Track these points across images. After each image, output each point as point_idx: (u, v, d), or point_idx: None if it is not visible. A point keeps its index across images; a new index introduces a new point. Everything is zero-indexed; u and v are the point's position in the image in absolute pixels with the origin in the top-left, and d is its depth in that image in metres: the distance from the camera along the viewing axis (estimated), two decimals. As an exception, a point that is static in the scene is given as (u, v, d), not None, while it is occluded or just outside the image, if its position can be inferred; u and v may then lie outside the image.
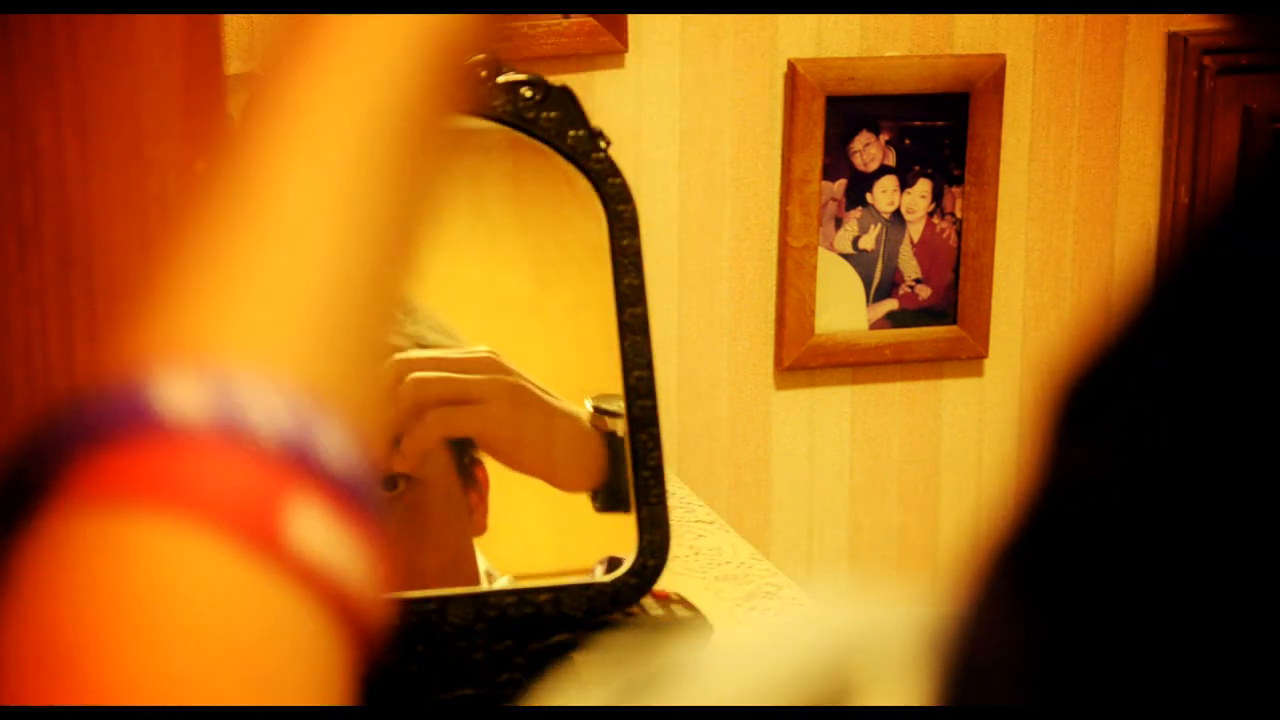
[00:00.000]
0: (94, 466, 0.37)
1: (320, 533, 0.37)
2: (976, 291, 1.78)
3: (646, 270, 1.25)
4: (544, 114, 1.45)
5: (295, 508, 0.37)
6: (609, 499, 1.20)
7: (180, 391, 0.37)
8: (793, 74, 1.69)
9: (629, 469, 1.18)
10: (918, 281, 1.77)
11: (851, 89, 1.70)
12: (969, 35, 1.74)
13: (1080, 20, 1.77)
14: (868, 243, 1.75)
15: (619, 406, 1.22)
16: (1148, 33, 1.79)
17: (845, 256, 1.74)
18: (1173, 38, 1.79)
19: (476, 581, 1.15)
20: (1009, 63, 1.74)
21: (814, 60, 1.69)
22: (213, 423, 0.36)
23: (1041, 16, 1.76)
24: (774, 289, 1.74)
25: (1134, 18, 1.78)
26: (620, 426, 1.21)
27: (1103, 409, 0.24)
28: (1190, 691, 0.21)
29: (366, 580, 0.38)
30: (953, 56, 1.73)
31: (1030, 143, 1.78)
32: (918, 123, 1.73)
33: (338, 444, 0.38)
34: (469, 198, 1.42)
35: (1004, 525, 0.25)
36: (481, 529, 1.17)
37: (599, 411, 1.22)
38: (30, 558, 0.37)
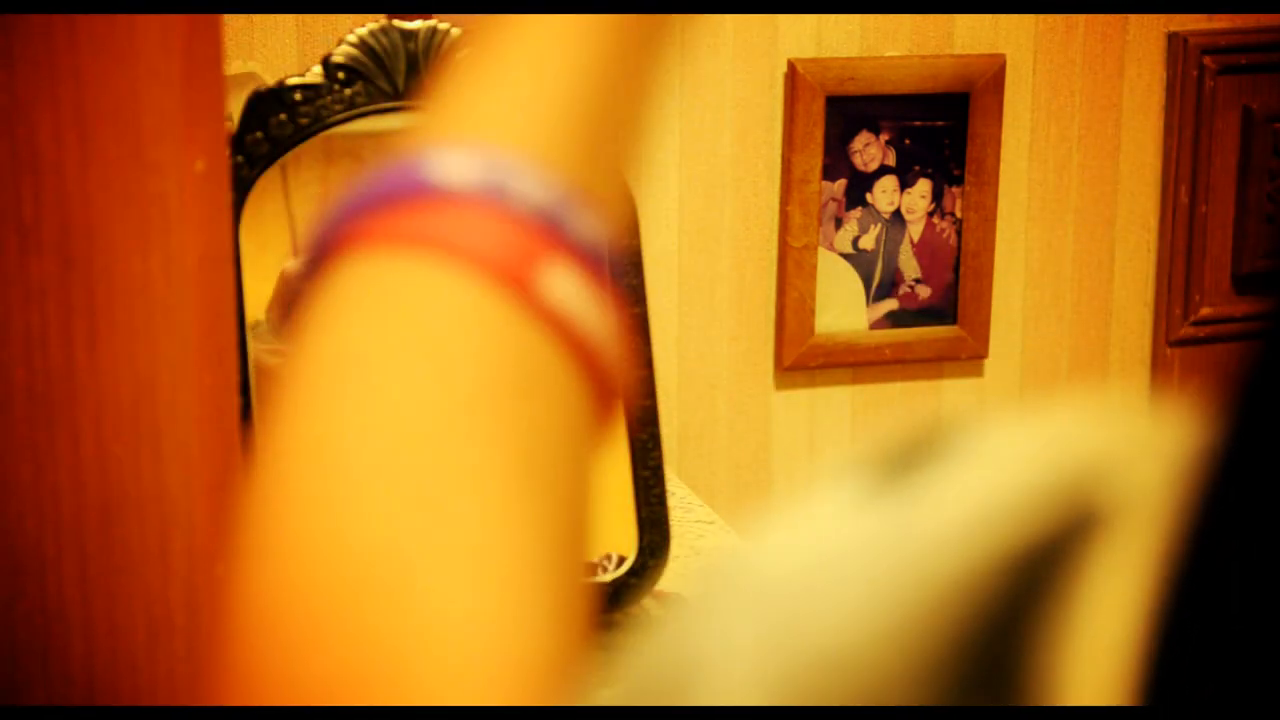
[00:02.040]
0: (376, 223, 0.41)
1: (570, 289, 0.40)
2: (976, 291, 1.78)
3: (646, 270, 1.24)
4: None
5: (548, 264, 0.40)
6: None
7: (453, 165, 0.41)
8: (793, 74, 1.69)
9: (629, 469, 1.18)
10: (918, 282, 1.77)
11: (851, 89, 1.70)
12: (969, 35, 1.74)
13: (1080, 20, 1.77)
14: (868, 243, 1.75)
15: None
16: (1148, 33, 1.79)
17: (845, 256, 1.74)
18: (1173, 38, 1.79)
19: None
20: (1009, 63, 1.74)
21: (814, 60, 1.69)
22: (479, 190, 0.41)
23: (1041, 16, 1.76)
24: (774, 289, 1.74)
25: (1134, 18, 1.78)
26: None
27: None
28: None
29: (609, 342, 0.41)
30: (953, 56, 1.73)
31: (1030, 143, 1.78)
32: (918, 123, 1.73)
33: (587, 223, 0.41)
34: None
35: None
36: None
37: None
38: (314, 296, 0.41)
